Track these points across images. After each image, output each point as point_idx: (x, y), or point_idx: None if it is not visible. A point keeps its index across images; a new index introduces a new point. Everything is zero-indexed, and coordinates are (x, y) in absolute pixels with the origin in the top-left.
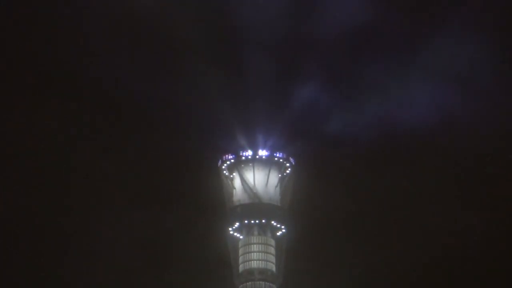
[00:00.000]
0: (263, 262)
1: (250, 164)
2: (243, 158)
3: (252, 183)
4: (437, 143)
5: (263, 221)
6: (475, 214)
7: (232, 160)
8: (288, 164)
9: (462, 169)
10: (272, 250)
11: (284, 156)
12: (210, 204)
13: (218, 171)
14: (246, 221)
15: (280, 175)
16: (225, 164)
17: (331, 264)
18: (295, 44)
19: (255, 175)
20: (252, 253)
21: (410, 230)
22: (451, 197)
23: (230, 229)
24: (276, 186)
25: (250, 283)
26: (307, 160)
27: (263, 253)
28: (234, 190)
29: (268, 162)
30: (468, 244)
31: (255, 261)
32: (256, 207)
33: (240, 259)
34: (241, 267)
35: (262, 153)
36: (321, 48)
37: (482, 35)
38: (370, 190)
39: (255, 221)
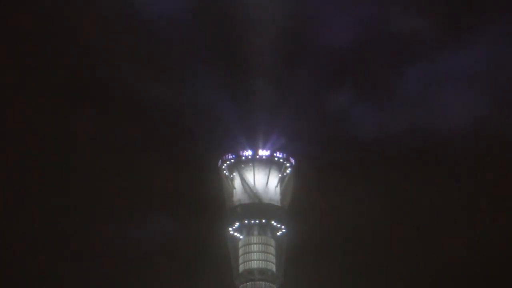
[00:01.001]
0: (263, 262)
1: (250, 164)
2: (243, 158)
3: (252, 183)
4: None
5: (263, 221)
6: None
7: (232, 160)
8: (288, 164)
9: (463, 170)
10: (272, 250)
11: (284, 156)
12: (210, 204)
13: (218, 171)
14: (246, 221)
15: (280, 175)
16: (225, 164)
17: (331, 264)
18: (296, 43)
19: (255, 175)
20: (252, 253)
21: (410, 229)
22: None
23: (230, 229)
24: (276, 186)
25: (250, 283)
26: (307, 160)
27: (263, 253)
28: (234, 190)
29: (268, 162)
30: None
31: (255, 261)
32: (256, 207)
33: (240, 259)
34: (241, 267)
35: (262, 153)
36: (322, 48)
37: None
38: (370, 190)
39: (255, 221)
